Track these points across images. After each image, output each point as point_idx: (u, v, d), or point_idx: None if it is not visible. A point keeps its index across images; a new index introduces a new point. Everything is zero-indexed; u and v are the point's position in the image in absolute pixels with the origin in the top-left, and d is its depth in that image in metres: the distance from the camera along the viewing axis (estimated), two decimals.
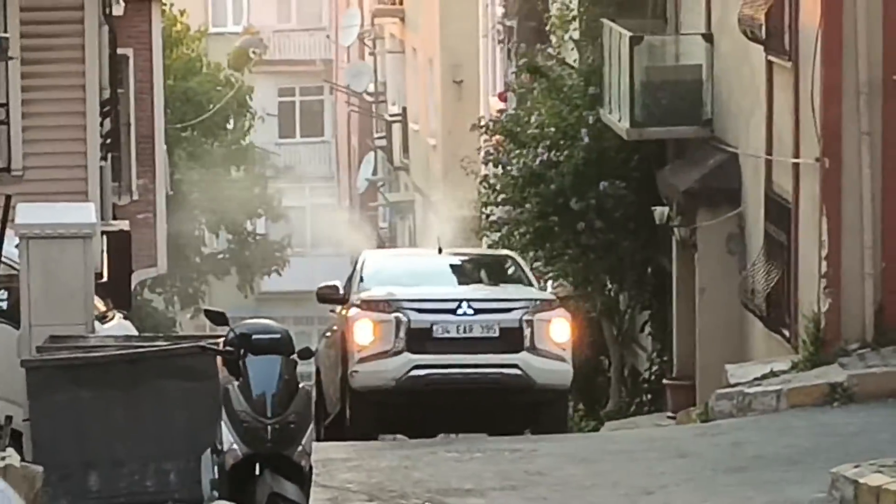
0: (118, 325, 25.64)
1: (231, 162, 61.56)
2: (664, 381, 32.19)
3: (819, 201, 27.20)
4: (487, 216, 36.85)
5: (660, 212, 32.70)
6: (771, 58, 28.86)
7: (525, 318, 23.70)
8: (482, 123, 42.38)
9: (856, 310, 27.15)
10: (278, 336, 18.09)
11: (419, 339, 23.59)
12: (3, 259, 18.96)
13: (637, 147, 34.19)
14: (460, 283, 26.07)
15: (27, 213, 19.46)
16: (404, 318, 23.62)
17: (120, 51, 32.59)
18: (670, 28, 35.35)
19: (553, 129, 35.56)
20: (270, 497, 17.19)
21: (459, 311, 23.68)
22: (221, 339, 18.21)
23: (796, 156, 27.92)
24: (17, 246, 19.11)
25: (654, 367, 33.65)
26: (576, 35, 38.94)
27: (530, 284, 25.74)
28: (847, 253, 27.56)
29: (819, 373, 25.38)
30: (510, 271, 26.31)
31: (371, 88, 68.53)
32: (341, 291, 25.25)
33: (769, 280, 28.56)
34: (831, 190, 26.96)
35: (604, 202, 34.12)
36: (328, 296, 25.35)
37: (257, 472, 17.62)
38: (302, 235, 73.81)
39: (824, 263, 27.33)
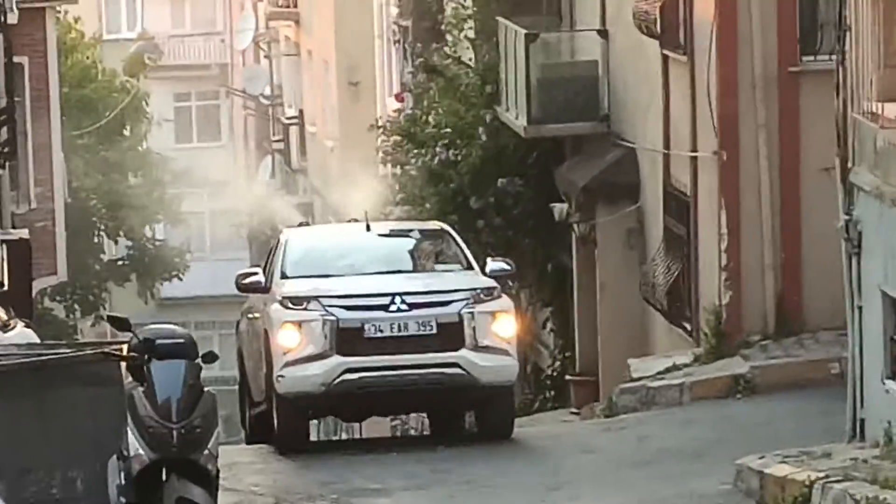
0: (20, 333, 25.37)
1: (128, 168, 61.46)
2: (567, 377, 32.33)
3: (717, 194, 27.68)
4: (387, 216, 36.04)
5: (559, 208, 32.85)
6: (666, 52, 29.26)
7: (465, 310, 22.04)
8: (380, 124, 42.61)
9: (756, 302, 27.53)
10: (182, 341, 17.44)
11: (350, 340, 21.92)
12: None
13: (535, 144, 34.49)
14: (392, 265, 23.92)
15: None
16: (332, 318, 21.99)
17: (15, 59, 32.72)
18: (565, 24, 35.60)
19: (450, 129, 35.95)
20: (178, 501, 16.72)
21: (392, 308, 21.96)
22: (125, 345, 17.49)
23: (694, 149, 28.37)
24: None
25: (557, 364, 33.74)
26: (471, 34, 39.11)
27: (468, 263, 23.77)
28: (747, 245, 28.24)
29: (721, 365, 25.68)
30: (445, 249, 24.40)
31: (267, 91, 67.99)
32: (262, 282, 23.42)
33: (670, 274, 28.70)
34: (729, 183, 27.47)
35: (503, 200, 34.39)
36: (249, 286, 23.65)
37: (164, 478, 17.13)
38: (201, 240, 73.95)
39: (724, 256, 27.74)
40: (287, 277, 23.06)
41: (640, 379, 25.74)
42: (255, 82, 69.17)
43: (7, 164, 29.38)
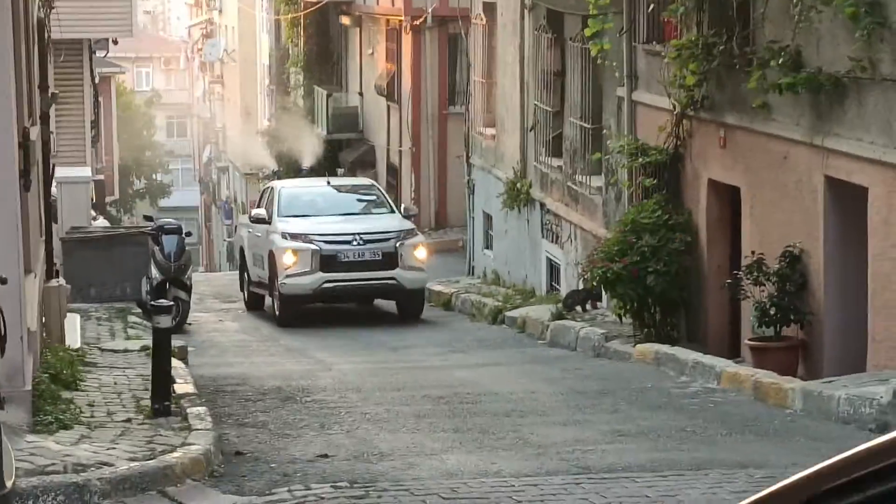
0: (101, 221, 24.74)
1: (146, 149, 58.98)
2: None
3: (410, 168, 30.57)
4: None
5: (340, 171, 33.14)
6: (389, 103, 32.11)
7: (397, 244, 20.71)
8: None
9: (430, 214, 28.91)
10: (176, 225, 19.61)
11: (328, 263, 20.55)
12: None
13: (331, 142, 35.01)
14: (347, 209, 22.12)
15: None
16: (317, 248, 20.58)
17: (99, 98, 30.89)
18: (343, 89, 36.40)
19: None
20: (174, 298, 17.74)
21: (354, 243, 20.59)
22: (149, 227, 19.84)
23: (400, 146, 31.29)
24: None
25: None
26: (301, 92, 39.33)
27: (391, 207, 22.43)
28: (423, 191, 29.56)
29: None
30: (376, 198, 22.65)
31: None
32: (265, 217, 21.60)
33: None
34: (416, 163, 30.42)
35: (316, 166, 33.53)
36: (259, 219, 21.68)
37: (167, 287, 18.73)
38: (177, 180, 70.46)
39: (412, 195, 28.76)
40: (282, 216, 21.43)
41: None
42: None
43: (95, 144, 27.71)
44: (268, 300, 22.24)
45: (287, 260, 20.74)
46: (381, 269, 20.68)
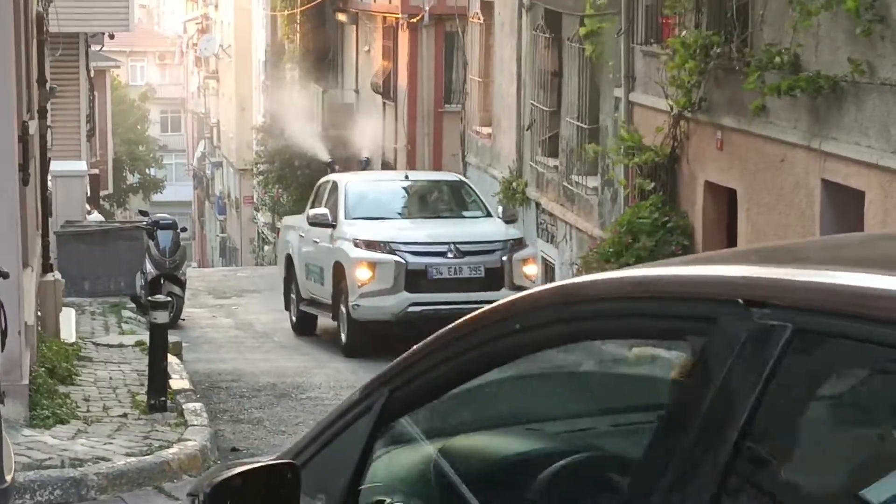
0: (96, 216, 23.78)
1: (139, 143, 58.82)
2: None
3: (405, 164, 28.66)
4: None
5: (335, 167, 28.77)
6: (385, 101, 31.11)
7: (503, 257, 16.98)
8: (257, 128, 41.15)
9: None
10: (171, 220, 19.92)
11: (415, 280, 16.61)
12: None
13: (325, 138, 33.45)
14: (431, 211, 18.51)
15: None
16: (402, 261, 16.58)
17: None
18: (339, 86, 35.63)
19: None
20: (168, 294, 17.41)
21: (449, 255, 16.72)
22: (144, 222, 19.92)
23: (395, 143, 30.18)
24: None
25: None
26: (297, 88, 38.07)
27: (487, 210, 18.45)
28: None
29: None
30: (466, 197, 18.79)
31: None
32: (330, 218, 17.67)
33: None
34: (412, 159, 29.10)
35: (311, 163, 33.30)
36: (320, 221, 17.74)
37: (161, 282, 18.87)
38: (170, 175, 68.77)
39: None
40: (351, 218, 17.56)
41: None
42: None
43: (90, 139, 27.54)
44: (322, 320, 18.78)
45: (361, 275, 16.73)
46: (483, 290, 16.41)
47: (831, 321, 2.15)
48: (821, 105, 12.66)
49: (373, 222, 17.46)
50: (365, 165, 25.75)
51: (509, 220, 18.00)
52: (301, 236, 18.95)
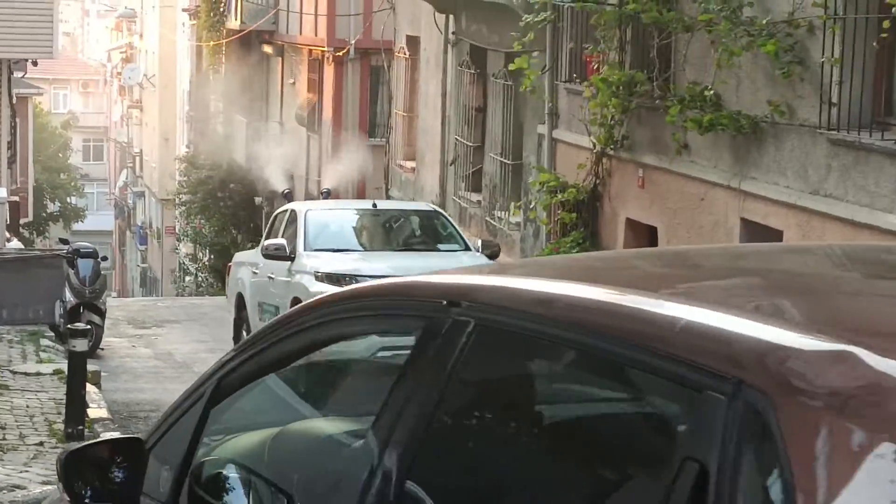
0: (16, 244, 24.98)
1: (62, 171, 59.00)
2: None
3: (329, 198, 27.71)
4: None
5: (258, 199, 34.08)
6: (309, 133, 30.25)
7: None
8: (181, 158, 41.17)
9: None
10: (92, 249, 19.50)
11: None
12: None
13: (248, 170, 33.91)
14: (400, 244, 16.87)
15: None
16: None
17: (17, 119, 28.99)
18: (265, 119, 35.99)
19: (211, 162, 36.31)
20: (88, 323, 16.91)
21: None
22: (65, 250, 19.48)
23: (319, 175, 29.11)
24: None
25: None
26: (221, 119, 38.87)
27: (465, 243, 16.72)
28: None
29: None
30: (441, 229, 17.12)
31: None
32: (287, 250, 16.02)
33: None
34: (334, 194, 27.01)
35: (233, 194, 35.17)
36: (277, 254, 16.15)
37: (81, 311, 18.54)
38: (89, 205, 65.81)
39: None
40: (310, 250, 16.06)
41: None
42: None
43: (11, 166, 27.12)
44: None
45: None
46: None
47: (498, 317, 2.79)
48: (741, 145, 12.79)
49: (335, 254, 16.03)
50: (326, 196, 23.18)
51: (492, 254, 16.20)
52: (254, 272, 17.37)
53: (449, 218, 17.79)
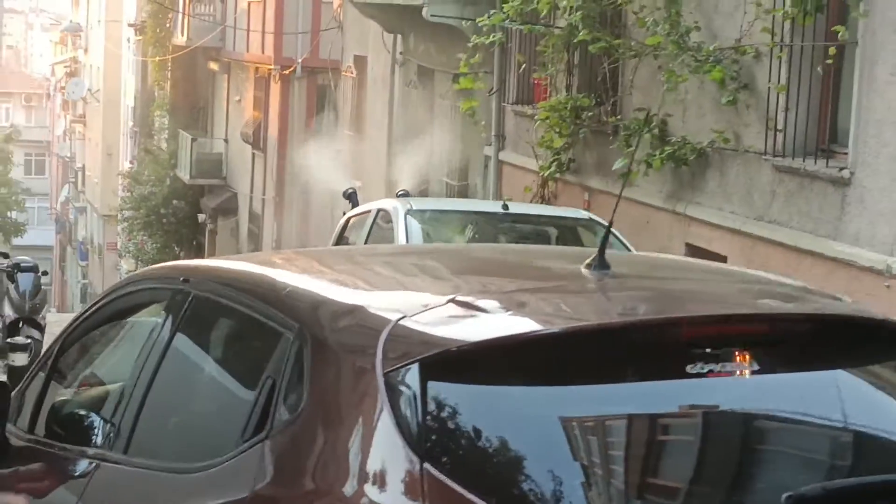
0: None
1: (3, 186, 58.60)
2: None
3: (274, 216, 30.04)
4: None
5: (201, 217, 34.87)
6: (254, 151, 31.70)
7: None
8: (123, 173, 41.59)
9: None
10: (32, 263, 18.42)
11: None
12: None
13: (192, 187, 35.98)
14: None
15: None
16: None
17: None
18: (209, 136, 36.54)
19: (154, 177, 37.12)
20: (27, 337, 16.62)
21: None
22: (4, 264, 18.22)
23: (264, 194, 31.07)
24: None
25: None
26: (165, 135, 39.89)
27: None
28: (287, 235, 29.02)
29: None
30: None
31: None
32: None
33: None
34: (280, 208, 29.81)
35: (177, 211, 35.85)
36: None
37: (20, 326, 17.50)
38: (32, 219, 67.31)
39: (275, 243, 28.67)
40: None
41: None
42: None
43: None
44: None
45: None
46: None
47: (203, 289, 3.98)
48: (685, 171, 12.84)
49: None
50: (405, 196, 16.86)
51: None
52: None
53: (613, 230, 10.52)
